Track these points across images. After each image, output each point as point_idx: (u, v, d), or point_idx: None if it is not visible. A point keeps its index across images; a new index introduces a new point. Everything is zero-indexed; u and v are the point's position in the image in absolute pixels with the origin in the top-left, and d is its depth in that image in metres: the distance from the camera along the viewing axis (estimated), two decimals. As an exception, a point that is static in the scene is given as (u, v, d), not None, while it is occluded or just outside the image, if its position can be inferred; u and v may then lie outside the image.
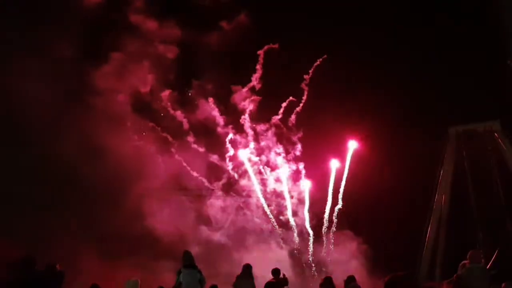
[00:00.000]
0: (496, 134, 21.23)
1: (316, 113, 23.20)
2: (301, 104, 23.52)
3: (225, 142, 23.35)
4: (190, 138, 23.01)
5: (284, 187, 23.08)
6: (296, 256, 22.16)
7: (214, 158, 23.44)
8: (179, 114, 23.06)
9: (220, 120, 23.54)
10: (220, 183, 23.38)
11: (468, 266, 7.90)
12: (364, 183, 21.91)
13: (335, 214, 22.88)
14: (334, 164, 22.96)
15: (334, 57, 22.96)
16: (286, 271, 12.13)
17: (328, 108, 22.68)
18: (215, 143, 23.50)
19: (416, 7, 22.87)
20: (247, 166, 23.14)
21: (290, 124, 23.73)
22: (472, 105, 21.56)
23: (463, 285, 7.78)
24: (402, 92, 22.23)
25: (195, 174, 22.67)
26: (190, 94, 23.80)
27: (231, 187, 23.58)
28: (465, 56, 21.62)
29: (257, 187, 23.14)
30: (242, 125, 23.63)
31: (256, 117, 23.72)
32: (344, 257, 20.85)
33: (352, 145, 22.76)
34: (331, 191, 22.97)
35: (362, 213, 21.53)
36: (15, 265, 5.57)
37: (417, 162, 21.10)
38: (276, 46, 23.27)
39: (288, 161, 23.58)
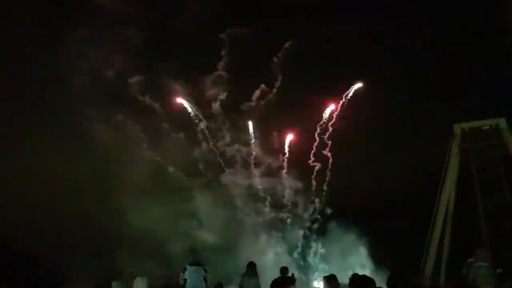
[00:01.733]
0: (502, 131, 22.11)
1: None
2: (274, 90, 24.30)
3: (200, 133, 23.98)
4: (166, 125, 23.26)
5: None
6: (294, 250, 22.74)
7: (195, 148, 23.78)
8: (148, 99, 23.39)
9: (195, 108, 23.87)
10: (206, 178, 23.75)
11: (474, 264, 8.37)
12: (364, 183, 22.55)
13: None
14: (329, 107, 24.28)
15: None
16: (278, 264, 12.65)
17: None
18: (192, 131, 23.93)
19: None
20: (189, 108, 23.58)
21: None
22: (477, 102, 22.37)
23: (469, 283, 8.25)
24: (403, 91, 22.87)
25: (171, 169, 22.85)
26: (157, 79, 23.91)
27: (215, 180, 23.90)
28: (470, 53, 22.35)
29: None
30: (213, 114, 24.21)
31: (228, 105, 24.43)
32: (346, 251, 21.54)
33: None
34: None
35: (365, 215, 22.13)
36: None
37: (422, 160, 21.73)
38: (244, 30, 23.70)
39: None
